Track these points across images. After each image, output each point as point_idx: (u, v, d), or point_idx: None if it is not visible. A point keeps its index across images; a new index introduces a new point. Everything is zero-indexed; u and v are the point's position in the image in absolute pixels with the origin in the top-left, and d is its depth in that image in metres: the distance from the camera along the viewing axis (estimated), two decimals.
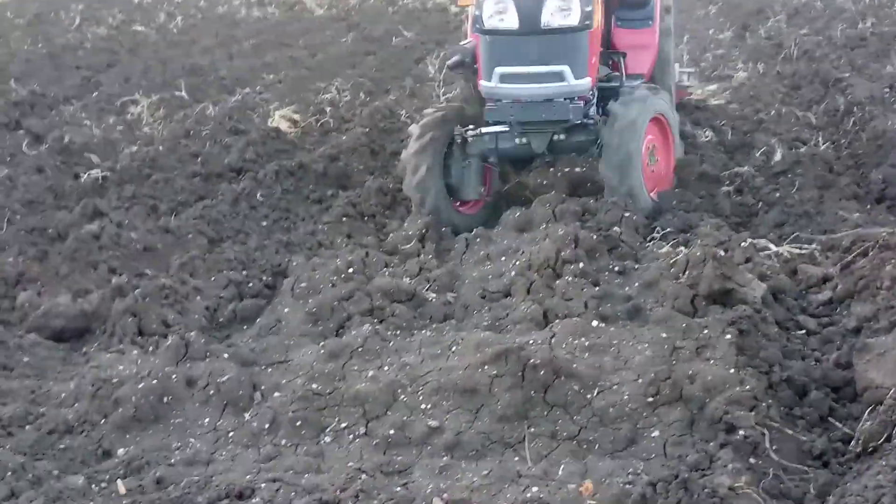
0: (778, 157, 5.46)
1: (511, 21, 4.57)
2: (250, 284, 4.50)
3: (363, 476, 2.78)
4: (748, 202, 5.11)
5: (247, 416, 3.27)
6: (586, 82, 4.70)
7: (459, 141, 5.05)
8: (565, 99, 4.70)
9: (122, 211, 5.45)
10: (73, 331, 4.13)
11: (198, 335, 3.80)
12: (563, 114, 4.71)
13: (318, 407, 3.23)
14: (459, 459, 2.97)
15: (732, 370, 3.08)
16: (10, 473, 2.74)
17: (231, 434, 3.13)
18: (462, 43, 5.53)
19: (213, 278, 4.64)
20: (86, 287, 4.41)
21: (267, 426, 3.16)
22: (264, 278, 4.57)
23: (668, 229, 4.53)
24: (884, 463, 2.52)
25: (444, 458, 2.95)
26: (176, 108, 7.93)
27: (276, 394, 3.34)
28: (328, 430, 3.16)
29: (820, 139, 5.79)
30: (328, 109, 7.55)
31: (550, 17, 4.55)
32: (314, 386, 3.31)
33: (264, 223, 5.35)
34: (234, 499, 2.65)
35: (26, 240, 5.02)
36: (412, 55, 10.06)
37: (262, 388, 3.36)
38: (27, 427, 3.22)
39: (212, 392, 3.26)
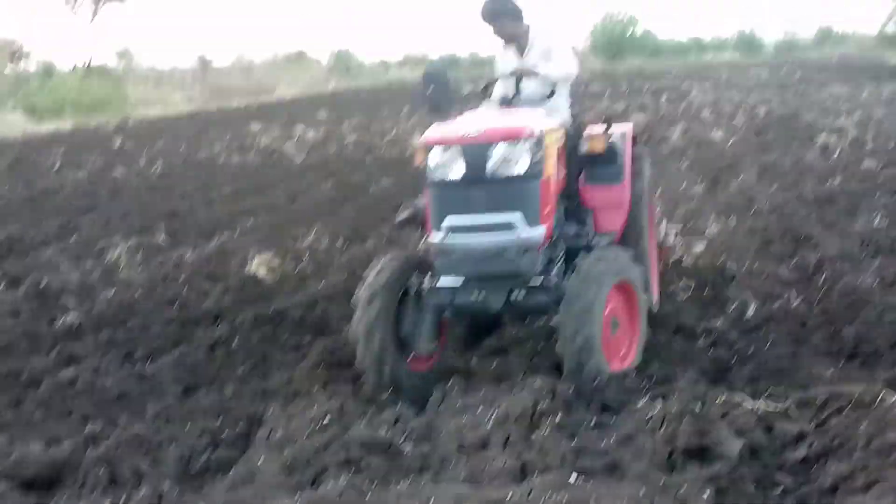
0: (751, 312, 5.48)
1: (458, 171, 4.41)
2: (225, 433, 4.39)
3: None
4: (723, 356, 5.01)
5: None
6: (539, 231, 4.47)
7: (414, 292, 4.76)
8: (517, 250, 4.41)
9: (97, 357, 5.35)
10: (45, 479, 3.96)
11: (171, 486, 3.70)
12: (515, 266, 4.45)
13: None
14: None
15: None
16: None
17: None
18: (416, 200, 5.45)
19: (187, 427, 4.51)
20: (58, 434, 4.28)
21: None
22: (239, 427, 4.46)
23: (645, 383, 4.47)
24: None
25: None
26: (154, 253, 8.02)
27: None
28: None
29: (792, 295, 5.79)
30: (306, 256, 7.66)
31: (497, 166, 4.38)
32: None
33: (240, 370, 5.25)
34: None
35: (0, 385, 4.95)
36: (390, 202, 9.97)
37: None
38: None
39: None
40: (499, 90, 5.44)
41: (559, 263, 4.80)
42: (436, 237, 4.54)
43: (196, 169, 13.75)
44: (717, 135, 13.71)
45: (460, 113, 4.98)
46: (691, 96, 21.38)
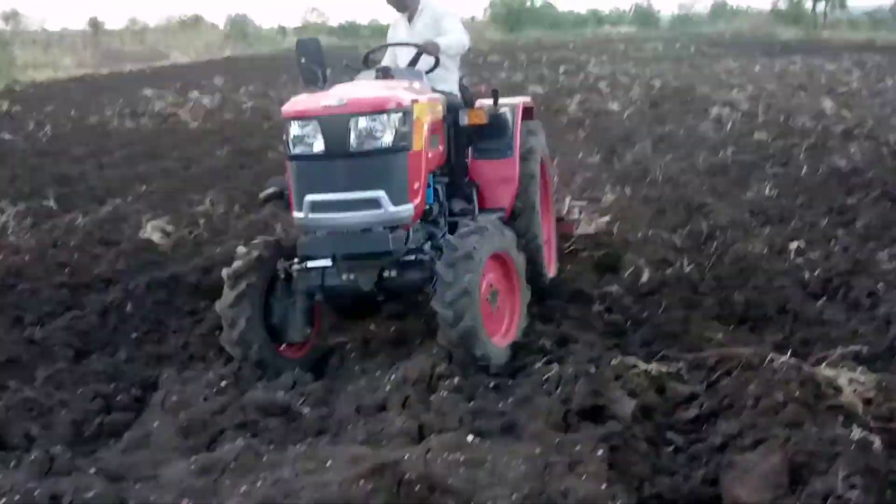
0: (645, 278, 5.62)
1: (318, 145, 4.19)
2: (119, 398, 4.30)
3: None
4: (618, 321, 5.15)
5: None
6: (407, 209, 4.29)
7: (283, 276, 4.55)
8: (384, 228, 4.27)
9: None
10: None
11: (63, 450, 3.61)
12: (382, 245, 4.27)
13: None
14: None
15: (604, 486, 3.11)
16: None
17: None
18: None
19: (79, 391, 4.39)
20: None
21: None
22: (133, 392, 4.39)
23: (542, 346, 4.56)
24: None
25: None
26: (44, 218, 7.73)
27: None
28: None
29: (685, 261, 5.91)
30: (202, 222, 7.51)
31: (360, 139, 4.17)
32: (185, 502, 3.12)
33: (134, 335, 5.14)
34: None
35: None
36: None
37: None
38: None
39: None
40: (386, 61, 5.37)
41: (441, 239, 4.63)
42: (297, 215, 4.32)
43: (87, 134, 13.29)
44: (614, 106, 13.92)
45: (333, 85, 4.77)
46: (589, 68, 21.81)
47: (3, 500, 3.14)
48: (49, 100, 17.06)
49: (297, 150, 4.22)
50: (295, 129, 4.21)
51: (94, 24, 41.89)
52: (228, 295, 4.33)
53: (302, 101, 4.39)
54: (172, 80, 21.29)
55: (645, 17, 58.45)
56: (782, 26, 42.95)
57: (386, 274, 4.41)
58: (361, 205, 4.16)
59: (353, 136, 4.11)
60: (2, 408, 4.01)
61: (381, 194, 4.15)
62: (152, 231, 7.22)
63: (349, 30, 44.68)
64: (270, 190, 4.91)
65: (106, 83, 20.94)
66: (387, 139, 4.17)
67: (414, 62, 4.94)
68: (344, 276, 4.41)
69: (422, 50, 4.90)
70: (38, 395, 4.20)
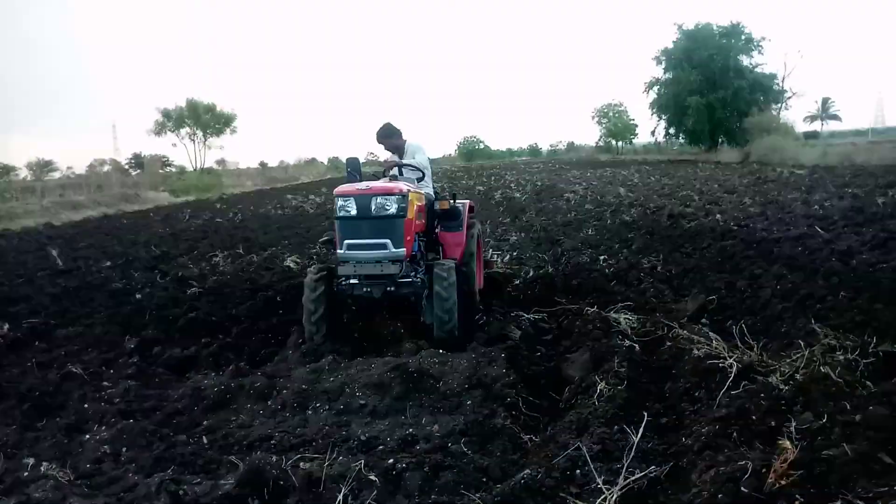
0: (530, 275, 8.52)
1: (353, 211, 5.85)
2: (273, 340, 6.57)
3: (326, 429, 4.16)
4: (516, 296, 7.66)
5: None
6: (402, 251, 5.87)
7: (335, 287, 6.15)
8: (389, 261, 5.86)
9: (207, 302, 7.44)
10: None
11: (246, 365, 5.86)
12: (388, 270, 5.89)
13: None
14: (375, 419, 4.38)
15: (504, 370, 4.84)
16: None
17: None
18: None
19: (253, 339, 6.54)
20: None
21: None
22: (279, 337, 6.57)
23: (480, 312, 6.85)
24: (572, 412, 4.30)
25: (368, 419, 4.37)
26: (237, 258, 10.31)
27: None
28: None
29: (549, 267, 9.01)
30: (315, 257, 10.36)
31: (376, 208, 5.84)
32: (303, 385, 4.84)
33: (280, 311, 7.16)
34: None
35: None
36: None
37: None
38: None
39: None
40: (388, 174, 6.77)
41: (421, 271, 6.29)
42: (340, 252, 5.92)
43: (258, 218, 18.06)
44: (517, 195, 20.83)
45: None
46: (506, 177, 31.77)
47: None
48: (239, 202, 23.77)
49: (341, 214, 5.94)
50: (340, 202, 5.94)
51: (262, 163, 64.90)
52: (310, 295, 6.01)
53: (344, 188, 6.07)
54: (301, 190, 29.18)
55: (534, 151, 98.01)
56: (601, 153, 70.23)
57: (389, 289, 6.08)
58: (377, 247, 5.87)
59: (373, 207, 5.87)
60: (215, 349, 6.06)
61: (388, 241, 5.88)
62: (291, 262, 9.87)
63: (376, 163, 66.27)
64: (325, 238, 6.79)
65: (268, 193, 28.43)
66: (392, 210, 5.88)
67: (400, 171, 6.75)
68: (364, 290, 6.09)
69: (407, 165, 6.90)
70: (233, 341, 6.33)
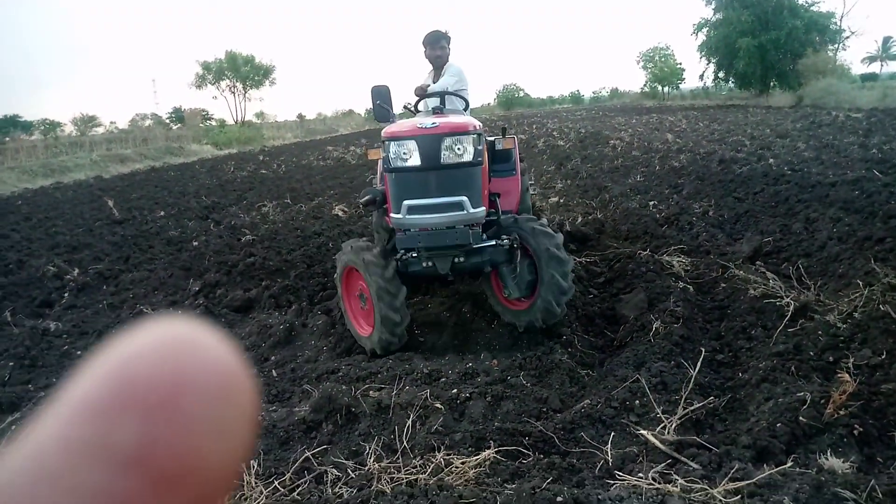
0: (578, 221, 8.23)
1: (414, 160, 4.34)
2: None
3: (390, 362, 4.33)
4: (568, 241, 7.07)
5: None
6: (482, 210, 4.53)
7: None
8: (465, 226, 4.46)
9: (262, 248, 7.79)
10: None
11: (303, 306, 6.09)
12: (464, 239, 4.45)
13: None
14: (434, 355, 4.59)
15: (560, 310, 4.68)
16: None
17: None
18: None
19: (310, 282, 6.68)
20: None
21: None
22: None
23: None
24: (628, 349, 4.44)
25: (428, 354, 4.61)
26: (285, 207, 10.56)
27: None
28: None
29: (597, 213, 8.82)
30: (361, 207, 11.01)
31: (448, 154, 4.35)
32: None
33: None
34: None
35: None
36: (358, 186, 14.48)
37: None
38: None
39: None
40: (422, 107, 5.69)
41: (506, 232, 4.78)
42: (395, 217, 4.47)
43: (302, 169, 18.16)
44: (561, 143, 19.93)
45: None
46: (548, 125, 30.28)
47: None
48: (281, 153, 24.13)
49: (397, 164, 4.37)
50: (394, 147, 4.36)
51: (300, 116, 64.84)
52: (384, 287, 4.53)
53: (398, 128, 4.47)
54: (341, 142, 29.11)
55: (576, 98, 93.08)
56: (646, 99, 66.29)
57: (458, 260, 4.64)
58: (448, 207, 4.37)
59: (444, 152, 4.32)
60: (275, 291, 6.22)
61: (464, 199, 4.40)
62: (339, 211, 10.03)
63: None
64: (368, 197, 5.03)
65: (308, 145, 28.75)
66: (468, 155, 4.40)
67: (442, 102, 5.33)
68: (424, 264, 4.64)
69: (453, 94, 5.50)
70: (292, 283, 6.43)
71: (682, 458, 2.93)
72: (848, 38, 41.47)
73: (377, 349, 4.62)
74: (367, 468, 3.03)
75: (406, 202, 4.40)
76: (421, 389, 3.88)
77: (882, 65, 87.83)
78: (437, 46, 5.91)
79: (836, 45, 40.94)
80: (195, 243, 8.60)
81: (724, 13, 42.12)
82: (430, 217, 4.39)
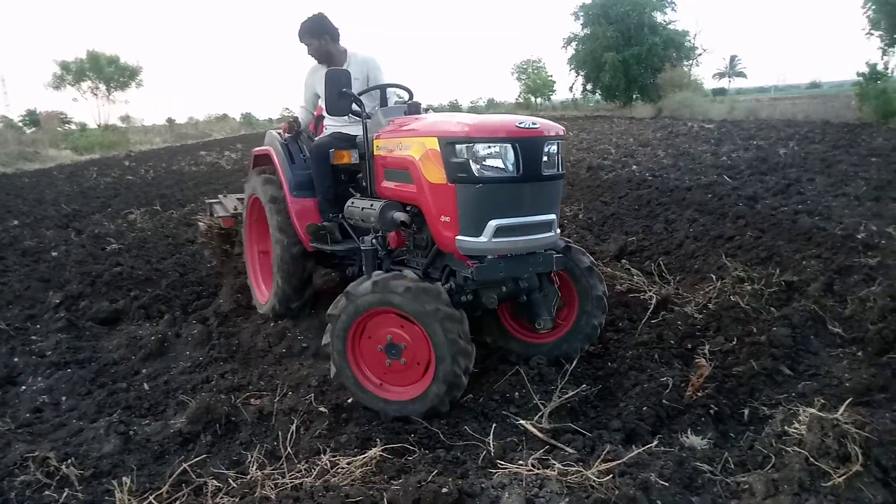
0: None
1: (509, 168, 3.31)
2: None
3: (271, 370, 4.68)
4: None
5: None
6: (558, 232, 3.71)
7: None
8: (546, 250, 3.66)
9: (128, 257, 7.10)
10: None
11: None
12: (548, 266, 3.68)
13: None
14: (318, 360, 4.70)
15: None
16: None
17: None
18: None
19: (184, 291, 6.27)
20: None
21: None
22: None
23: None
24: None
25: (311, 360, 4.61)
26: (154, 214, 10.07)
27: None
28: None
29: None
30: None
31: (548, 162, 3.44)
32: None
33: (209, 265, 7.46)
34: None
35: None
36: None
37: None
38: None
39: None
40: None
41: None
42: (472, 240, 3.40)
43: (172, 175, 17.15)
44: None
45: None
46: None
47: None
48: (150, 159, 22.62)
49: (487, 174, 3.31)
50: (483, 150, 3.29)
51: (170, 119, 61.53)
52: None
53: (486, 122, 3.42)
54: (215, 147, 27.80)
55: (454, 108, 73.37)
56: (521, 110, 57.22)
57: (504, 288, 3.77)
58: (538, 228, 3.48)
59: (545, 158, 3.41)
60: (145, 301, 5.83)
61: (554, 218, 3.56)
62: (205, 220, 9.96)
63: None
64: (396, 218, 3.91)
65: (179, 150, 27.41)
66: (561, 164, 3.58)
67: (383, 98, 4.75)
68: (462, 297, 3.66)
69: (396, 86, 4.75)
70: (164, 293, 6.08)
71: (559, 444, 3.08)
72: (700, 55, 44.91)
73: (434, 407, 3.45)
74: (249, 476, 2.95)
75: (493, 222, 3.35)
76: (305, 395, 3.82)
77: (729, 80, 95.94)
78: (320, 42, 4.85)
79: (691, 62, 44.28)
80: (54, 254, 8.02)
81: (591, 29, 44.54)
82: (519, 240, 3.44)
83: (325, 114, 4.87)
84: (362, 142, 4.36)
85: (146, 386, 4.31)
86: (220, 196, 6.97)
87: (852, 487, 2.34)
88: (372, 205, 3.99)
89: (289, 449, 3.17)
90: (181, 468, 3.01)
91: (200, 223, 6.75)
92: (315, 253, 4.87)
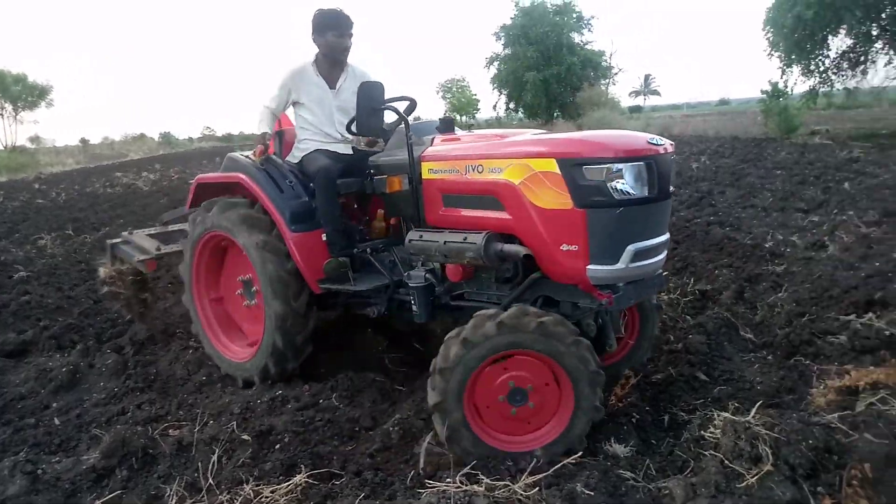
0: None
1: (648, 188, 3.12)
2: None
3: (190, 399, 4.64)
4: None
5: None
6: None
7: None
8: (659, 272, 3.45)
9: (38, 286, 6.95)
10: None
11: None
12: (661, 285, 3.63)
13: None
14: (241, 388, 4.62)
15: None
16: None
17: None
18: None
19: (98, 318, 6.00)
20: None
21: None
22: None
23: None
24: None
25: (231, 387, 4.57)
26: (66, 239, 10.10)
27: None
28: None
29: None
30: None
31: (672, 179, 3.31)
32: None
33: None
34: None
35: None
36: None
37: None
38: None
39: None
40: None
41: None
42: (606, 269, 3.13)
43: (85, 198, 16.25)
44: None
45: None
46: None
47: None
48: (61, 181, 21.32)
49: (626, 195, 3.06)
50: (628, 170, 3.06)
51: (83, 140, 58.57)
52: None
53: (618, 140, 3.18)
54: (132, 167, 26.66)
55: None
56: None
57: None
58: (662, 248, 3.33)
59: (670, 176, 3.27)
60: (57, 331, 5.55)
61: (668, 237, 3.40)
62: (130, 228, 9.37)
63: (226, 139, 61.31)
64: (338, 264, 4.05)
65: (93, 171, 26.31)
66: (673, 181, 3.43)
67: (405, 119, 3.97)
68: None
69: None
70: (76, 322, 5.86)
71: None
72: (616, 74, 46.56)
73: (574, 443, 3.17)
74: None
75: (631, 246, 3.12)
76: (227, 423, 3.70)
77: (645, 98, 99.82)
78: (347, 35, 4.37)
79: (608, 81, 45.84)
80: None
81: (512, 49, 45.52)
82: (650, 263, 3.24)
83: (346, 131, 4.29)
84: (354, 162, 4.27)
85: (56, 420, 4.09)
86: (126, 234, 5.88)
87: (764, 486, 2.44)
88: (465, 238, 3.43)
89: (210, 480, 3.06)
90: None
91: (101, 269, 5.75)
92: (318, 297, 4.24)
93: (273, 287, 4.08)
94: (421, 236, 3.70)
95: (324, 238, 4.14)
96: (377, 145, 4.45)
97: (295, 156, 4.48)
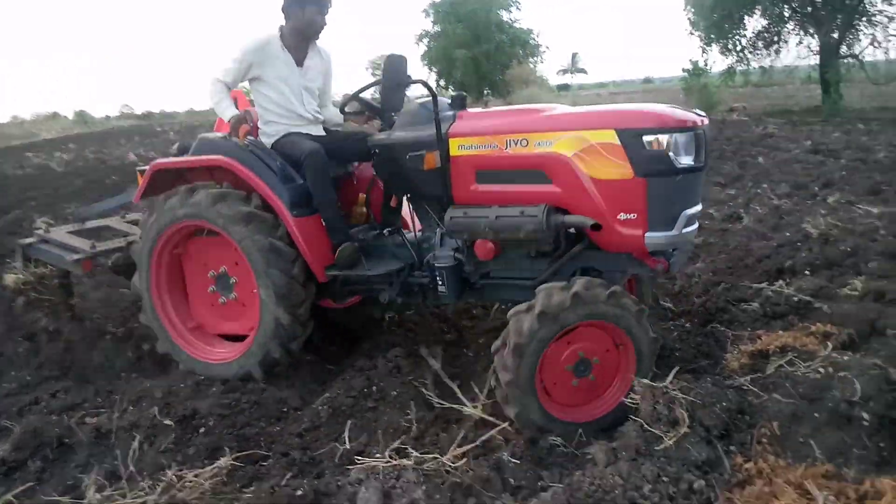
0: None
1: (697, 157, 3.28)
2: None
3: (109, 385, 4.71)
4: None
5: None
6: None
7: None
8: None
9: None
10: None
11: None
12: (689, 252, 3.82)
13: None
14: (161, 372, 4.64)
15: None
16: None
17: None
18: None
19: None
20: None
21: None
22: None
23: None
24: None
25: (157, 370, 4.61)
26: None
27: None
28: None
29: None
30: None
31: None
32: None
33: None
34: None
35: None
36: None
37: None
38: None
39: None
40: (350, 108, 4.40)
41: None
42: (662, 234, 3.25)
43: None
44: None
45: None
46: None
47: None
48: None
49: (686, 163, 3.23)
50: (682, 140, 3.22)
51: None
52: None
53: (672, 112, 3.32)
54: (44, 147, 25.29)
55: None
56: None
57: None
58: (697, 217, 3.46)
59: (707, 146, 3.39)
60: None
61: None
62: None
63: (146, 117, 60.34)
64: (352, 248, 3.95)
65: (1, 152, 24.89)
66: None
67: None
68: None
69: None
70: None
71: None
72: (544, 52, 47.04)
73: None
74: (86, 500, 2.72)
75: (687, 212, 3.28)
76: (148, 409, 3.58)
77: (572, 76, 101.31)
78: (327, 8, 4.13)
79: (536, 59, 46.25)
80: None
81: (442, 26, 45.27)
82: (693, 229, 3.41)
83: (343, 109, 4.24)
84: (329, 143, 4.04)
85: None
86: (41, 231, 5.24)
87: (681, 448, 2.54)
88: (523, 212, 3.37)
89: (131, 467, 2.96)
90: (4, 499, 2.72)
91: (10, 275, 5.06)
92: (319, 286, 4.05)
93: (267, 258, 3.79)
94: (465, 213, 3.57)
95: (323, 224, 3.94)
96: (370, 123, 4.27)
97: (263, 140, 4.15)
